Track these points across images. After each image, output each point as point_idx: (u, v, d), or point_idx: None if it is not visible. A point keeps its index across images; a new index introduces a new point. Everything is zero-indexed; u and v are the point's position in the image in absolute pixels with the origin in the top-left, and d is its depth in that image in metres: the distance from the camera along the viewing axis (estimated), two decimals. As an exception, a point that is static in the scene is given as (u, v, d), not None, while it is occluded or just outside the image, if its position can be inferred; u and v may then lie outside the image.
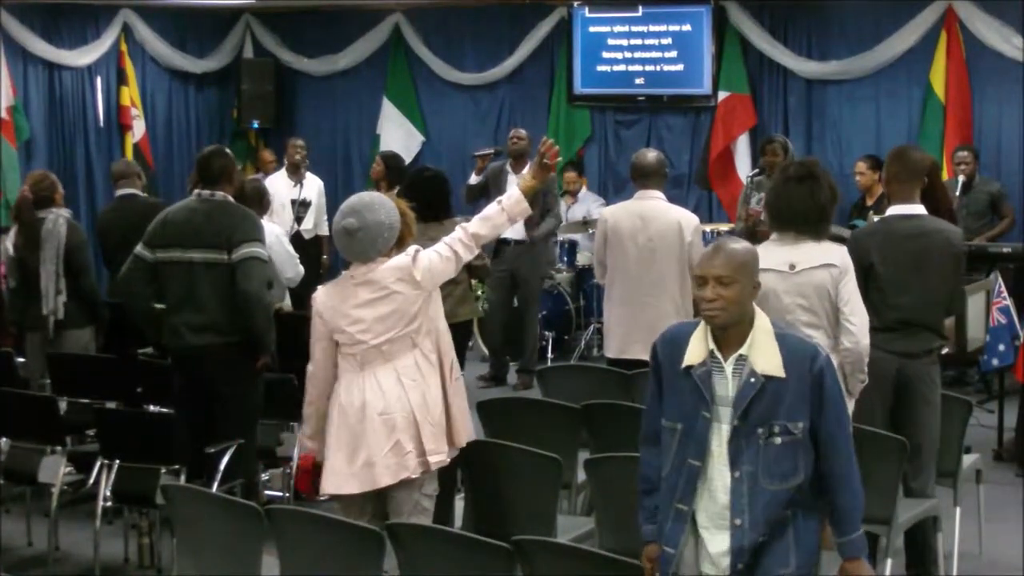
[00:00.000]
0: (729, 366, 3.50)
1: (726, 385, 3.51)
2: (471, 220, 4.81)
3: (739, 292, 3.47)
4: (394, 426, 4.54)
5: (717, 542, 3.52)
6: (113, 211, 7.93)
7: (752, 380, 3.46)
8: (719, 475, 3.51)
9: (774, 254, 4.78)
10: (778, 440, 3.46)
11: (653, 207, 6.74)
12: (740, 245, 3.57)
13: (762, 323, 3.54)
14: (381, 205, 4.62)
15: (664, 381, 3.64)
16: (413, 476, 4.57)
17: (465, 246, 4.72)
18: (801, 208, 4.79)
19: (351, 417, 4.58)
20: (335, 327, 4.64)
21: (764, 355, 3.48)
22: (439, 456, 4.62)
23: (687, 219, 6.74)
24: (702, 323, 3.55)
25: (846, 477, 3.55)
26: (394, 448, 4.54)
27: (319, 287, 4.81)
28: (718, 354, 3.52)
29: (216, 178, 5.90)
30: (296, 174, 10.17)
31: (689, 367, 3.54)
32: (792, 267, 4.75)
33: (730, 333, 3.51)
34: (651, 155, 6.95)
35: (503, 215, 4.78)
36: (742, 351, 3.49)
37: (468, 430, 4.79)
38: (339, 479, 4.60)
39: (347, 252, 4.65)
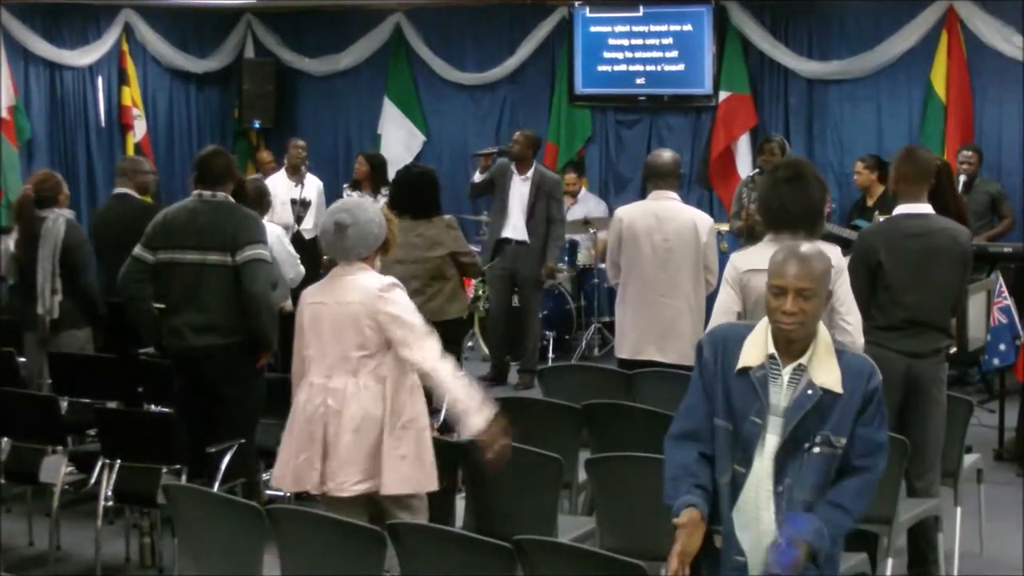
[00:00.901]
0: (786, 374, 3.42)
1: (780, 393, 3.42)
2: (420, 352, 4.58)
3: (818, 305, 3.40)
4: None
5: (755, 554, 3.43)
6: (106, 210, 7.91)
7: (810, 392, 3.38)
8: (763, 487, 3.42)
9: (766, 254, 4.76)
10: (817, 450, 3.39)
11: (669, 207, 6.76)
12: (817, 252, 3.48)
13: (824, 336, 3.46)
14: (372, 207, 4.74)
15: (711, 381, 3.52)
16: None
17: (415, 360, 4.58)
18: (796, 210, 4.78)
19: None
20: None
21: (824, 368, 3.40)
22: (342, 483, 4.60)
23: (702, 220, 6.77)
24: (760, 325, 3.48)
25: (857, 493, 3.46)
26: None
27: (308, 287, 4.86)
28: (778, 359, 3.44)
29: (217, 178, 5.89)
30: (296, 174, 10.18)
31: (747, 368, 3.44)
32: None
33: (796, 341, 3.43)
34: (667, 155, 6.96)
35: (450, 396, 4.57)
36: (802, 361, 3.41)
37: (399, 482, 4.60)
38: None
39: (333, 249, 4.69)
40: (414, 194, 7.05)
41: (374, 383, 4.60)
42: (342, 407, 4.59)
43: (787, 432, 3.38)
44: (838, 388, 3.38)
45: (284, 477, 4.74)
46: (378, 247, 4.72)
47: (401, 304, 4.62)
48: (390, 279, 4.70)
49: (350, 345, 4.60)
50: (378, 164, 9.87)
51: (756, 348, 3.45)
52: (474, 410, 4.52)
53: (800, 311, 3.36)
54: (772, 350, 3.43)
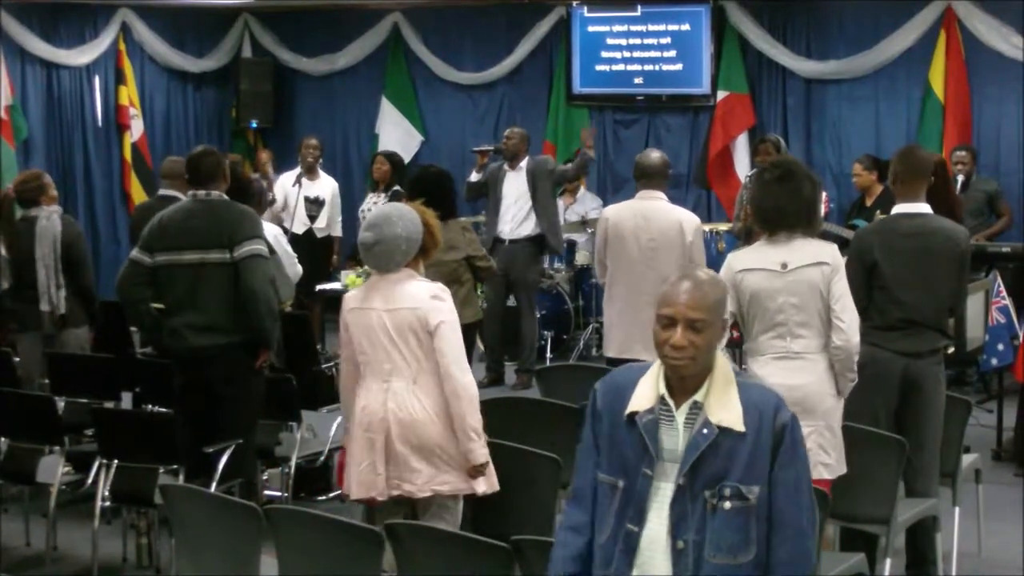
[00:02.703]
0: (681, 415, 2.98)
1: (675, 438, 2.98)
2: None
3: (712, 337, 2.99)
4: None
5: None
6: (149, 209, 7.83)
7: (705, 431, 2.94)
8: (660, 544, 2.96)
9: (765, 254, 4.78)
10: (727, 505, 2.92)
11: (655, 207, 6.75)
12: (712, 278, 3.06)
13: (723, 368, 3.03)
14: (400, 217, 4.71)
15: (603, 432, 3.09)
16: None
17: (451, 374, 4.65)
18: (790, 208, 4.75)
19: None
20: None
21: (722, 404, 2.96)
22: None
23: (689, 219, 6.76)
24: (656, 365, 3.05)
25: (788, 566, 2.95)
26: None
27: (348, 294, 4.90)
28: (669, 400, 3.00)
29: (207, 178, 5.87)
30: (311, 173, 10.15)
31: (634, 414, 3.01)
32: (784, 266, 4.71)
33: (689, 377, 3.00)
34: (655, 155, 6.97)
35: (465, 421, 4.63)
36: (697, 397, 2.98)
37: (459, 480, 4.69)
38: None
39: (368, 261, 4.78)
40: (431, 195, 7.02)
41: (433, 386, 4.63)
42: (402, 411, 4.61)
43: (680, 477, 2.94)
44: (739, 426, 2.94)
45: (351, 485, 4.75)
46: (415, 254, 4.74)
47: (450, 314, 4.67)
48: (439, 285, 4.75)
49: (408, 350, 4.63)
50: (399, 163, 9.91)
51: (647, 390, 3.03)
52: (478, 444, 4.63)
53: (691, 344, 2.94)
54: (663, 390, 3.01)
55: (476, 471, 4.65)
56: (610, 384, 3.14)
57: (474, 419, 4.64)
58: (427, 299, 4.65)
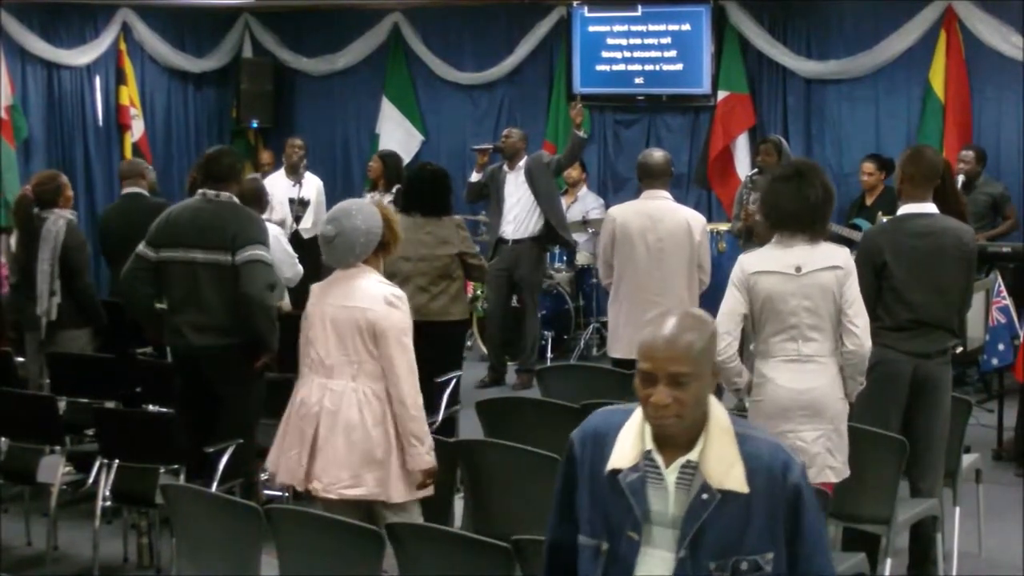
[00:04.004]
0: (671, 474, 2.64)
1: (665, 499, 2.64)
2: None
3: (700, 389, 2.61)
4: None
5: None
6: (116, 209, 7.93)
7: (704, 496, 2.60)
8: None
9: (778, 256, 4.75)
10: None
11: (661, 207, 6.77)
12: (696, 319, 2.68)
13: (718, 418, 2.67)
14: (359, 211, 4.65)
15: (582, 485, 2.75)
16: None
17: (396, 384, 4.60)
18: (791, 208, 4.72)
19: None
20: None
21: (721, 462, 2.62)
22: None
23: (696, 219, 6.78)
24: (638, 412, 2.70)
25: None
26: None
27: (314, 286, 4.87)
28: (657, 457, 2.65)
29: (223, 177, 5.89)
30: (295, 174, 10.17)
31: (616, 471, 2.67)
32: (798, 269, 4.69)
33: (679, 432, 2.66)
34: (658, 155, 6.98)
35: (408, 426, 4.59)
36: (691, 456, 2.63)
37: (405, 489, 4.66)
38: None
39: (326, 256, 4.73)
40: (426, 192, 7.05)
41: (372, 389, 4.59)
42: (337, 409, 4.58)
43: (683, 549, 2.61)
44: (742, 487, 2.61)
45: (275, 468, 4.80)
46: (374, 249, 4.67)
47: (402, 321, 4.62)
48: (396, 291, 4.68)
49: (352, 349, 4.60)
50: (393, 163, 9.91)
51: (630, 443, 2.68)
52: (423, 450, 4.60)
53: (675, 401, 2.58)
54: (649, 445, 2.66)
55: (425, 475, 4.62)
56: (589, 432, 2.78)
57: (417, 426, 4.58)
58: (381, 302, 4.59)
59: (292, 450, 4.67)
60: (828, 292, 4.68)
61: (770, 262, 4.75)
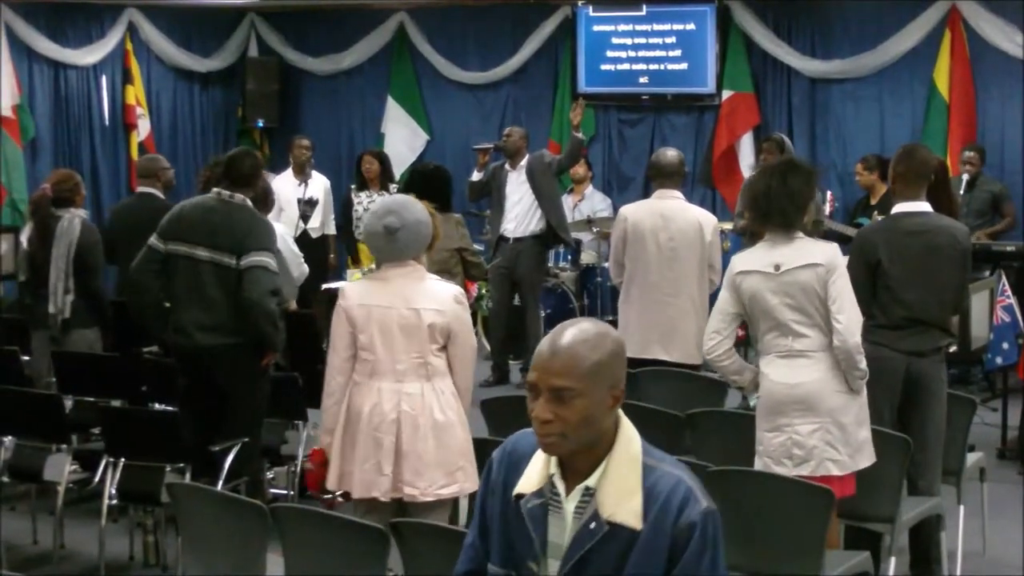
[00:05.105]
0: (571, 502, 2.48)
1: (563, 530, 2.48)
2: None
3: (586, 409, 2.42)
4: None
5: None
6: (125, 208, 7.92)
7: (592, 526, 2.44)
8: None
9: (762, 256, 4.79)
10: None
11: (674, 206, 6.80)
12: (595, 335, 2.49)
13: (626, 446, 2.49)
14: (414, 204, 4.65)
15: (492, 510, 2.60)
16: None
17: (460, 376, 4.71)
18: (770, 194, 4.72)
19: None
20: None
21: (618, 492, 2.44)
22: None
23: (707, 218, 6.82)
24: None
25: None
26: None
27: (348, 287, 4.79)
28: (559, 483, 2.50)
29: (243, 181, 5.89)
30: (302, 173, 10.19)
31: (520, 496, 2.53)
32: (777, 268, 4.71)
33: (578, 456, 2.49)
34: (671, 154, 6.99)
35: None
36: (589, 483, 2.47)
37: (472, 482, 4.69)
38: None
39: (383, 252, 4.63)
40: (427, 187, 7.07)
41: (447, 386, 4.63)
42: (419, 412, 4.57)
43: None
44: (634, 522, 2.42)
45: (342, 484, 4.67)
46: (427, 244, 4.69)
47: (468, 318, 4.69)
48: (459, 289, 4.74)
49: (422, 350, 4.58)
50: (386, 161, 9.93)
51: (538, 467, 2.54)
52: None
53: (556, 418, 2.42)
54: (554, 470, 2.51)
55: None
56: (507, 452, 2.63)
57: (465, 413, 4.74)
58: (451, 303, 4.60)
59: (368, 461, 4.59)
60: (810, 289, 4.68)
61: (753, 261, 4.80)
